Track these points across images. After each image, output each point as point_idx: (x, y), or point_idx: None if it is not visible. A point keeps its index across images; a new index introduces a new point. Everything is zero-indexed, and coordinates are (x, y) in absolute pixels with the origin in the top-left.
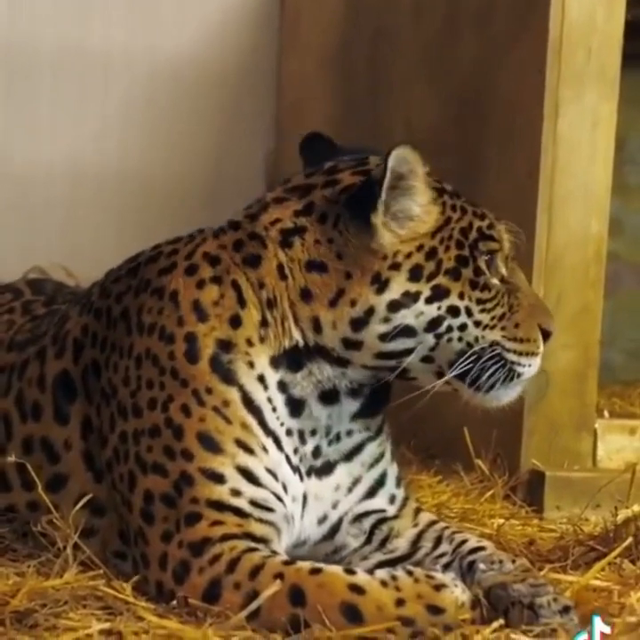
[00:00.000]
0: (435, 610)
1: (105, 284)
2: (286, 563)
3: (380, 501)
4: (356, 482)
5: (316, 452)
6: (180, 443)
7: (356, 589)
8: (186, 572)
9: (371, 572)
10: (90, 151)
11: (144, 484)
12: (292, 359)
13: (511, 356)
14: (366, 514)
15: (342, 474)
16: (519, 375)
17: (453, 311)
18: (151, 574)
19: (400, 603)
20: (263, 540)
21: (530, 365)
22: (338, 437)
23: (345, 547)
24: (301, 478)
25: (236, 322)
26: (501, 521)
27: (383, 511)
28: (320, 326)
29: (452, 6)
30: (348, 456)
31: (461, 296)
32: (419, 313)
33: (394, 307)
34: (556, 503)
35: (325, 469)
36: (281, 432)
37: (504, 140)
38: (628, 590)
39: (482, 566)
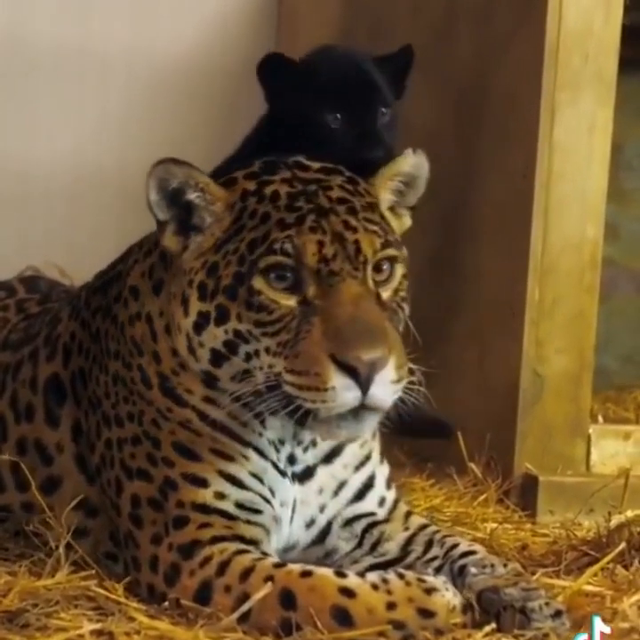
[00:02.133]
0: (426, 613)
1: (88, 293)
2: (277, 565)
3: (369, 504)
4: (341, 485)
5: (291, 459)
6: (159, 451)
7: (347, 592)
8: (176, 575)
9: (362, 575)
10: (89, 149)
11: (131, 489)
12: None
13: (289, 389)
14: (357, 517)
15: (324, 477)
16: (310, 412)
17: (238, 335)
18: (142, 577)
19: (391, 606)
20: (253, 542)
21: (323, 402)
22: (314, 442)
23: (336, 551)
24: (292, 482)
25: (157, 357)
26: (494, 525)
27: (373, 514)
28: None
29: (449, 4)
30: (327, 459)
31: (239, 318)
32: (213, 336)
33: (197, 328)
34: (549, 508)
35: (306, 474)
36: (261, 442)
37: (500, 141)
38: (621, 596)
39: (473, 570)
